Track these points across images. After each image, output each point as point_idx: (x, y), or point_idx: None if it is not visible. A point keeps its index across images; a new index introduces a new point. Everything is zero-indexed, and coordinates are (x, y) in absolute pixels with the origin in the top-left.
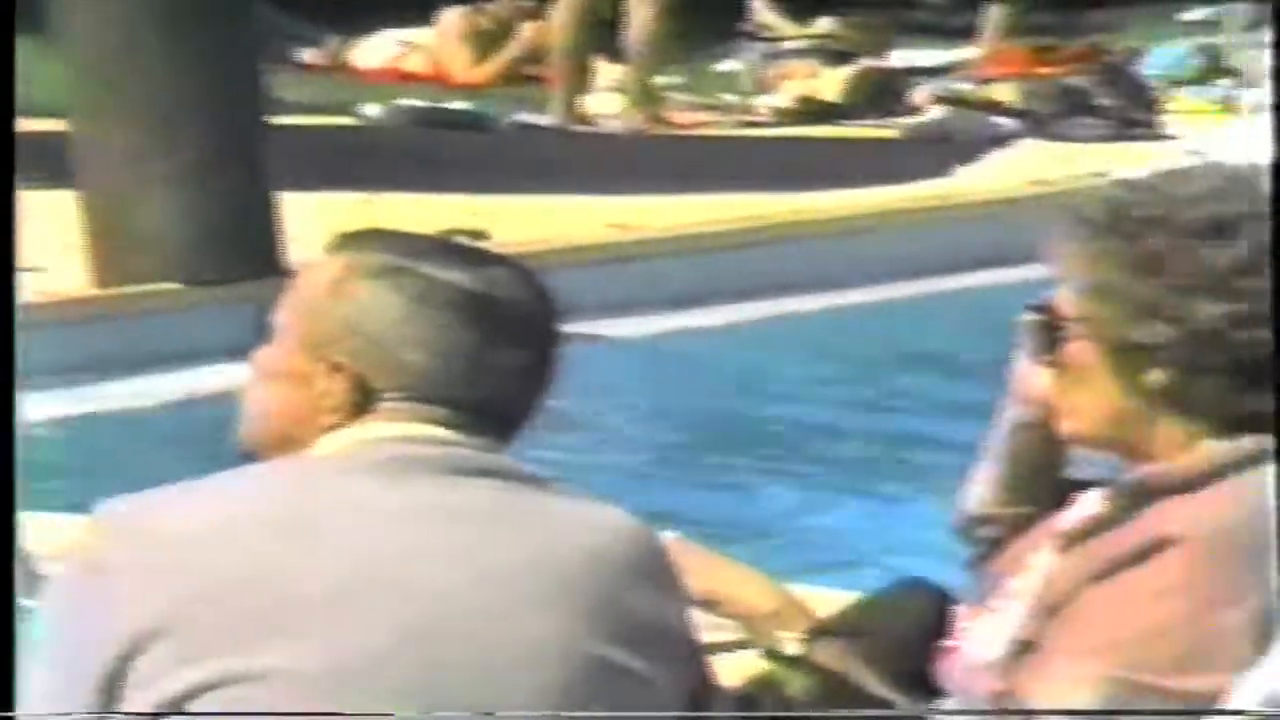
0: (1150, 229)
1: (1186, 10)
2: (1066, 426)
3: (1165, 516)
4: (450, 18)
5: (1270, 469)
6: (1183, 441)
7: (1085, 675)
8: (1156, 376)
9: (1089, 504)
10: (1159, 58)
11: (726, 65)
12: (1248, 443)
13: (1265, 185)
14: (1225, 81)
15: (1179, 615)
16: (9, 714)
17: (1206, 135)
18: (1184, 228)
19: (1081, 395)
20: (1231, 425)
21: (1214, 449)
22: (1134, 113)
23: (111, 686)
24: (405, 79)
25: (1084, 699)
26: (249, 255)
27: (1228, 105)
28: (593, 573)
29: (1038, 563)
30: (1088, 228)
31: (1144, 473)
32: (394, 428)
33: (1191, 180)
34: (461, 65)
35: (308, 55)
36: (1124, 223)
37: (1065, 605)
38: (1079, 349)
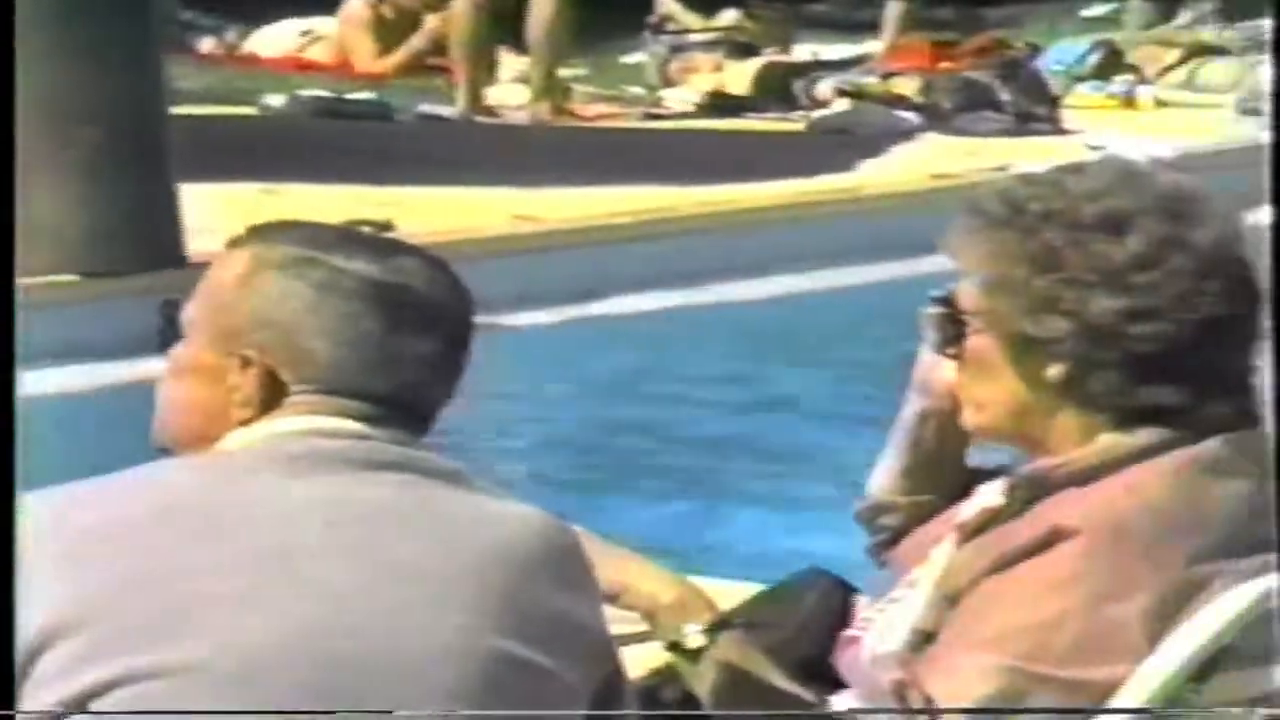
0: (1047, 223)
1: (1086, 6)
2: (968, 418)
3: (1062, 508)
4: (353, 7)
5: (1166, 461)
6: (1081, 434)
7: (982, 666)
8: (1055, 370)
9: (988, 495)
10: (1059, 53)
11: (631, 57)
12: (1144, 435)
13: (1163, 180)
14: (1124, 77)
15: (1074, 606)
16: (9, 714)
17: (1106, 130)
18: (1080, 222)
19: (982, 388)
20: (1130, 418)
21: (1111, 441)
22: (1034, 107)
23: (22, 682)
24: (307, 69)
25: (981, 690)
26: (148, 247)
27: (1127, 101)
28: (501, 568)
29: (938, 553)
30: (985, 222)
31: (1042, 465)
32: (303, 421)
33: (1088, 175)
34: (364, 55)
35: (206, 45)
36: (1021, 217)
37: (964, 596)
38: (979, 342)
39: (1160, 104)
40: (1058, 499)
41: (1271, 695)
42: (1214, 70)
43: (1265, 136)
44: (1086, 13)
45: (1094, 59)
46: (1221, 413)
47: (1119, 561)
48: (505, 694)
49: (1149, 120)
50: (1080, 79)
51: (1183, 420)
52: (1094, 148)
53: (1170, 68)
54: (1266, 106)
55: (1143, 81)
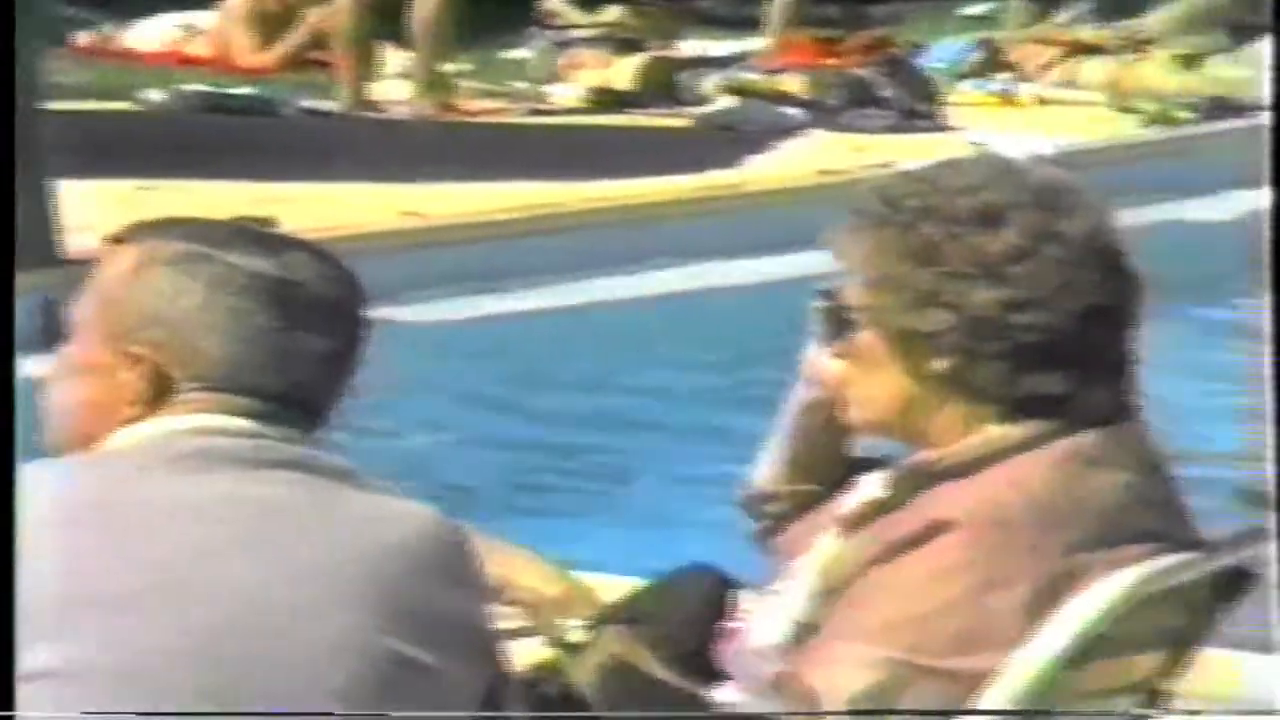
0: (925, 219)
1: (966, 5)
2: (854, 413)
3: (944, 500)
4: (233, 0)
5: (1047, 453)
6: (964, 426)
7: (863, 657)
8: (938, 363)
9: (871, 487)
10: (940, 51)
11: (517, 53)
12: (1026, 427)
13: (1037, 174)
14: (1004, 75)
15: (955, 598)
16: (9, 714)
17: (987, 127)
18: (957, 217)
19: (867, 381)
20: (1012, 409)
21: (992, 433)
22: (916, 104)
23: None
24: (187, 63)
25: (862, 681)
26: (23, 245)
27: (1007, 98)
28: (391, 567)
29: (820, 544)
30: (866, 219)
31: (924, 457)
32: (193, 419)
33: (964, 170)
34: (245, 50)
35: (82, 38)
36: (900, 213)
37: (846, 588)
38: (864, 337)
39: (1039, 101)
40: (940, 491)
41: (1145, 681)
42: (1092, 68)
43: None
44: (967, 11)
45: (975, 57)
46: (1101, 402)
47: (999, 552)
48: (395, 693)
49: (1029, 117)
50: (962, 76)
51: (1064, 411)
52: (975, 144)
53: (1049, 65)
54: (1142, 104)
55: (1022, 79)
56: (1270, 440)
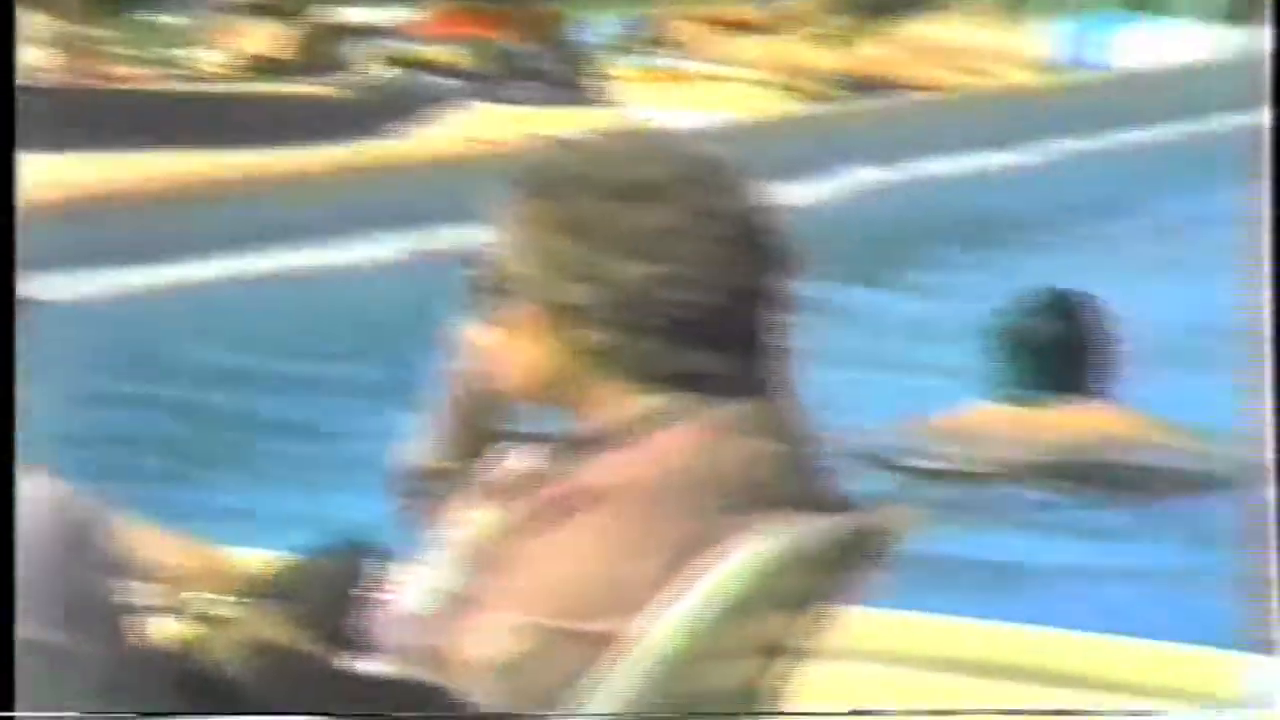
0: (577, 190)
1: None
2: (505, 383)
3: (593, 470)
4: None
5: (693, 424)
6: (614, 398)
7: (512, 625)
8: (589, 336)
9: (521, 458)
10: (603, 26)
11: (166, 19)
12: (674, 400)
13: (692, 150)
14: (666, 51)
15: (600, 563)
16: (9, 714)
17: (648, 101)
18: (610, 189)
19: (519, 353)
20: (661, 383)
21: (642, 405)
22: (575, 78)
23: None
24: None
25: (512, 649)
26: None
27: (668, 73)
28: (21, 549)
29: (471, 516)
30: (519, 189)
31: (575, 428)
32: None
33: (620, 144)
34: None
35: None
36: (553, 184)
37: (495, 558)
38: (516, 308)
39: (700, 77)
40: (590, 461)
41: (779, 641)
42: (752, 46)
43: (814, 109)
44: None
45: (637, 32)
46: (748, 377)
47: (644, 521)
48: (31, 681)
49: (689, 93)
50: (623, 51)
51: (711, 385)
52: (636, 119)
53: (710, 42)
54: (806, 84)
55: (683, 55)
56: (1269, 432)
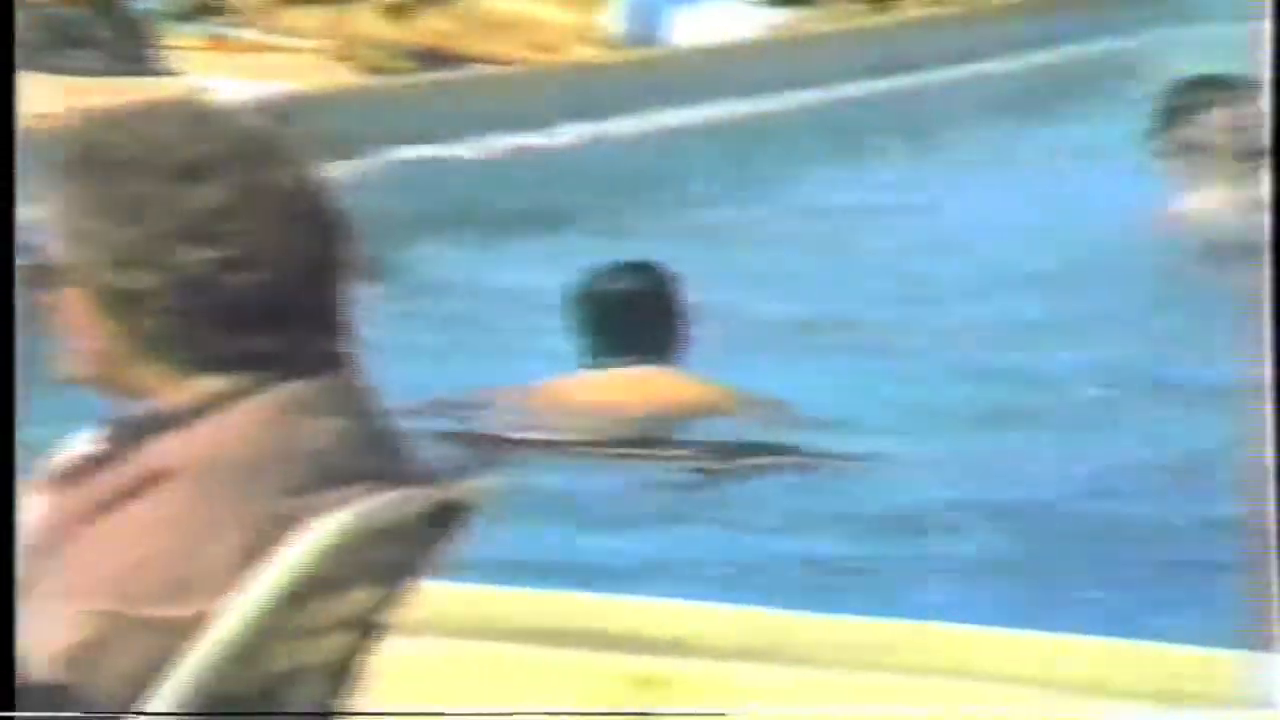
0: (124, 172)
1: None
2: (63, 369)
3: (159, 452)
4: None
5: (260, 401)
6: (178, 380)
7: (74, 613)
8: (147, 321)
9: (83, 442)
10: None
11: None
12: (240, 378)
13: (242, 124)
14: (223, 19)
15: (169, 546)
16: (9, 714)
17: (208, 72)
18: (160, 170)
19: (76, 339)
20: (226, 363)
21: (207, 385)
22: (130, 47)
23: None
24: None
25: (73, 637)
26: None
27: (226, 42)
28: None
29: (30, 505)
30: (61, 170)
31: (139, 410)
32: None
33: (166, 121)
34: None
35: None
36: (98, 165)
37: (58, 545)
38: (70, 294)
39: (259, 47)
40: (155, 443)
41: (361, 616)
42: (310, 15)
43: (366, 82)
44: None
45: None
46: (315, 353)
47: (213, 501)
48: None
49: (249, 63)
50: (180, 19)
51: (277, 363)
52: (196, 89)
53: (268, 11)
54: (370, 55)
55: (242, 24)
56: (1270, 429)
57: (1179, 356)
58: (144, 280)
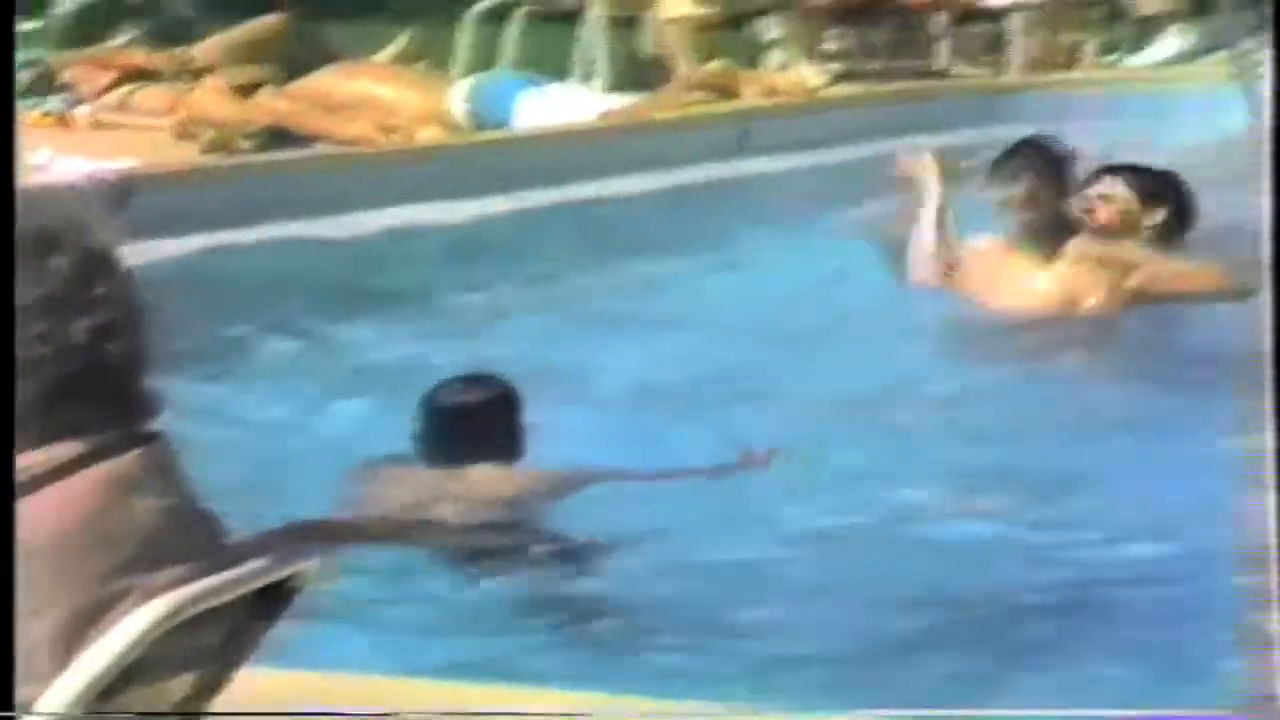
0: None
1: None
2: None
3: None
4: None
5: (82, 479)
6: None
7: None
8: None
9: None
10: None
11: None
12: (60, 451)
13: (51, 202)
14: (59, 95)
15: None
16: (9, 714)
17: (42, 148)
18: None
19: None
20: (46, 436)
21: (29, 460)
22: None
23: None
24: None
25: None
26: None
27: (62, 119)
28: None
29: None
30: None
31: None
32: None
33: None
34: None
35: None
36: None
37: None
38: None
39: (96, 124)
40: None
41: (181, 703)
42: (150, 93)
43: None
44: (21, 27)
45: (26, 76)
46: (133, 430)
47: (33, 580)
48: None
49: (86, 140)
50: (21, 94)
51: (98, 438)
52: (33, 166)
53: (107, 88)
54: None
55: (79, 100)
56: (1270, 446)
57: None
58: None
